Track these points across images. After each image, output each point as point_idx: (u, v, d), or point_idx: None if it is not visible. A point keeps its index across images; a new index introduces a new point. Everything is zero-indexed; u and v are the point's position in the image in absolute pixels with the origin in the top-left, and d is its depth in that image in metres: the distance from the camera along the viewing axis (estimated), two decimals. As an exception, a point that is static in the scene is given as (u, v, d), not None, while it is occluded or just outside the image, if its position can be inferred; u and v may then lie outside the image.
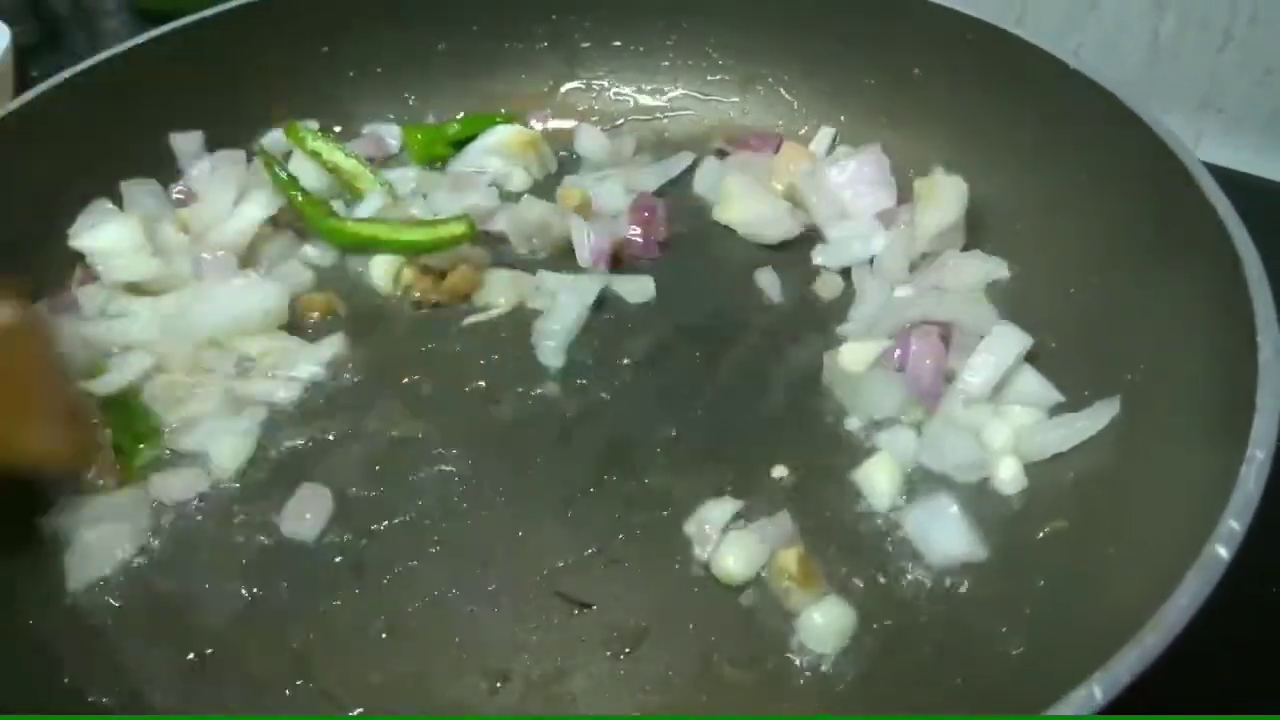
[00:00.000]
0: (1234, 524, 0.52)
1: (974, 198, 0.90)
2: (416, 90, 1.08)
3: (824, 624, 0.65)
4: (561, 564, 0.70)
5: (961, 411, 0.75)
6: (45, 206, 0.89)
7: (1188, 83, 1.15)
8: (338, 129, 1.05)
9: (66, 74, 0.91)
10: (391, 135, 1.06)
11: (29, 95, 0.89)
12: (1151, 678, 0.48)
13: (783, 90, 1.05)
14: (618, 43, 1.08)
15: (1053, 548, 0.67)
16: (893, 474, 0.73)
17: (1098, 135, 0.81)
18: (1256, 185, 1.08)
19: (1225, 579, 0.51)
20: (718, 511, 0.71)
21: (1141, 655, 0.48)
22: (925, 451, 0.74)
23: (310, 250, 0.94)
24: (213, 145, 0.99)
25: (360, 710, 0.64)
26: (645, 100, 1.09)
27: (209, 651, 0.67)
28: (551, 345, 0.85)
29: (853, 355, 0.80)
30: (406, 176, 1.01)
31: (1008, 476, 0.72)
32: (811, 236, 0.94)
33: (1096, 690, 0.47)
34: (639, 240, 0.93)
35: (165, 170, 0.97)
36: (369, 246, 0.92)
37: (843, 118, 1.02)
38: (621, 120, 1.09)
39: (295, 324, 0.88)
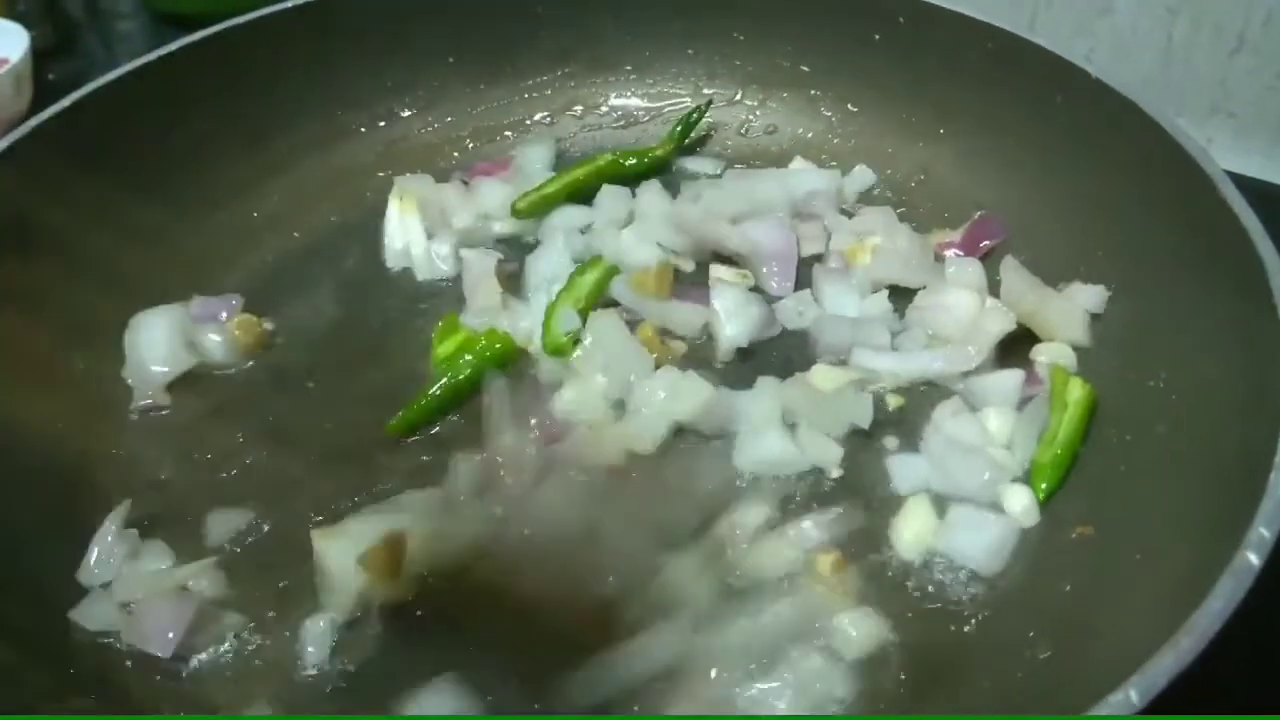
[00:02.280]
0: (1264, 531, 0.53)
1: (991, 206, 0.92)
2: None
3: (854, 628, 0.66)
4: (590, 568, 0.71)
5: (951, 422, 0.76)
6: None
7: (1198, 88, 1.16)
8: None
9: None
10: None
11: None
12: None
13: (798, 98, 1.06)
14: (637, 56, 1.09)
15: (1078, 553, 0.68)
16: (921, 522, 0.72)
17: (1118, 144, 0.81)
18: (1266, 191, 1.09)
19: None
20: (750, 514, 0.72)
21: (1176, 659, 0.49)
22: (936, 477, 0.74)
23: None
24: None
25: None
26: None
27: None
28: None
29: (824, 376, 0.80)
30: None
31: (1019, 509, 0.72)
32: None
33: (1133, 694, 0.48)
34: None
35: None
36: None
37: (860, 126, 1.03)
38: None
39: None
